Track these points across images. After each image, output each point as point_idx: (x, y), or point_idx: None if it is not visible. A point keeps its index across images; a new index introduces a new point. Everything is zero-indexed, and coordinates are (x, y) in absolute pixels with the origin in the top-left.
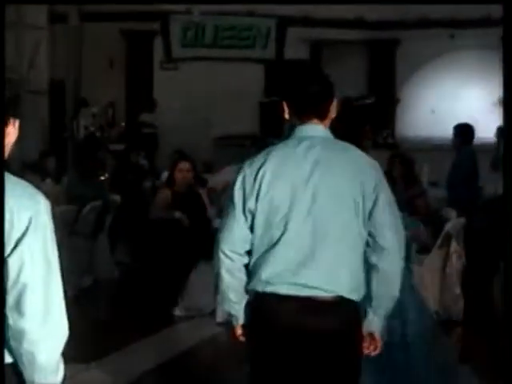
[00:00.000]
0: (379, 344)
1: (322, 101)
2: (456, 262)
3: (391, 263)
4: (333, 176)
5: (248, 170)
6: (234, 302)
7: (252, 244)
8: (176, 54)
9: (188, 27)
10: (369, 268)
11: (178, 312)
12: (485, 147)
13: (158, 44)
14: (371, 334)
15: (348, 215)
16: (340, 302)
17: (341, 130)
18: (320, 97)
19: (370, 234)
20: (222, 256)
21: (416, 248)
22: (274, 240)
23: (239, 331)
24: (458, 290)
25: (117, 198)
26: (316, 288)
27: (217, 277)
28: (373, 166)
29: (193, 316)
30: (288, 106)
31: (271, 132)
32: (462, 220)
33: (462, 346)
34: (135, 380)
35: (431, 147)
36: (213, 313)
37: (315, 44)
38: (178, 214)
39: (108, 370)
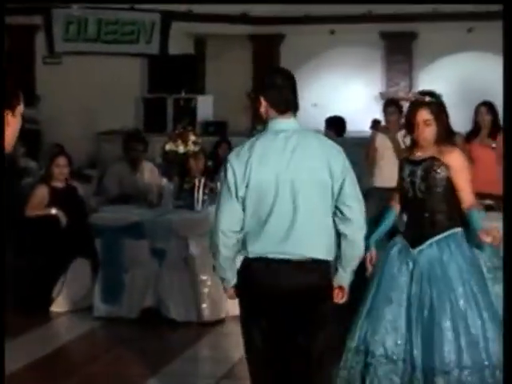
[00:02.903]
0: (346, 294)
1: (292, 101)
2: None
3: (355, 231)
4: (307, 161)
5: (236, 163)
6: (229, 270)
7: (244, 222)
8: (58, 48)
9: (70, 21)
10: (338, 235)
11: (55, 308)
12: (365, 140)
13: (40, 38)
14: (341, 287)
15: (319, 193)
16: (315, 263)
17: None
18: (295, 94)
19: (337, 208)
20: (221, 235)
21: None
22: (263, 218)
23: (231, 291)
24: None
25: None
26: (295, 254)
27: (215, 251)
28: (339, 152)
29: (70, 311)
30: (266, 101)
31: (154, 127)
32: None
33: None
34: (8, 376)
35: None
36: (90, 307)
37: (199, 38)
38: (54, 210)
39: None
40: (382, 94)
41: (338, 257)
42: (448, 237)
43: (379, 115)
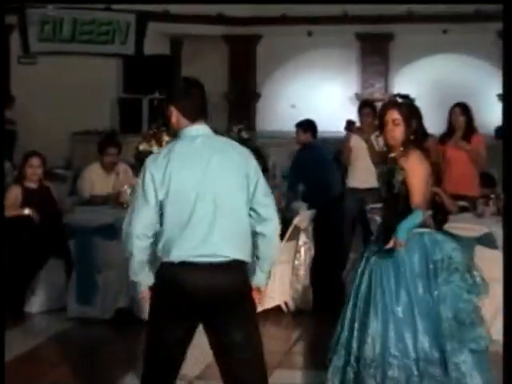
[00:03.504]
0: (264, 296)
1: (204, 109)
2: (305, 254)
3: (273, 230)
4: (225, 164)
5: (154, 168)
6: (142, 273)
7: (164, 226)
8: (34, 48)
9: (46, 21)
10: (255, 235)
11: (28, 308)
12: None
13: (14, 38)
14: (258, 288)
15: (236, 195)
16: (235, 265)
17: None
18: (205, 102)
19: (252, 208)
20: (135, 239)
21: None
22: (184, 222)
23: (146, 294)
24: (307, 282)
25: None
26: (215, 256)
27: (129, 255)
28: (250, 155)
29: (44, 312)
30: (177, 110)
31: (130, 127)
32: (311, 213)
33: (311, 334)
34: None
35: (291, 141)
36: (64, 308)
37: (175, 39)
38: (27, 211)
39: None
40: (357, 95)
41: (255, 258)
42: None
43: (355, 116)
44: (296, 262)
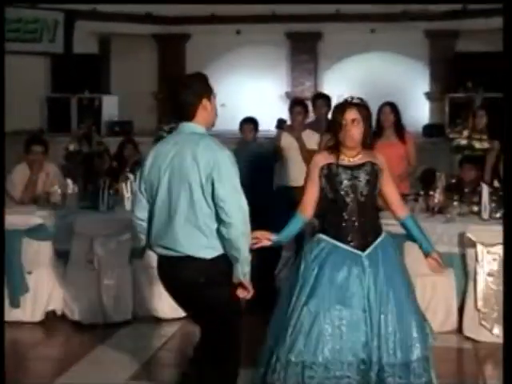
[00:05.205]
0: (248, 288)
1: (186, 109)
2: None
3: (234, 233)
4: (181, 161)
5: (147, 158)
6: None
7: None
8: None
9: None
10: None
11: None
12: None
13: None
14: (241, 281)
15: (190, 192)
16: (189, 259)
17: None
18: (184, 106)
19: (216, 208)
20: (134, 221)
21: None
22: (152, 212)
23: None
24: None
25: None
26: (171, 249)
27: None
28: (219, 153)
29: None
30: None
31: (59, 127)
32: None
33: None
34: None
35: (221, 140)
36: None
37: (104, 38)
38: None
39: None
40: (287, 94)
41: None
42: (386, 239)
43: (285, 115)
44: None
